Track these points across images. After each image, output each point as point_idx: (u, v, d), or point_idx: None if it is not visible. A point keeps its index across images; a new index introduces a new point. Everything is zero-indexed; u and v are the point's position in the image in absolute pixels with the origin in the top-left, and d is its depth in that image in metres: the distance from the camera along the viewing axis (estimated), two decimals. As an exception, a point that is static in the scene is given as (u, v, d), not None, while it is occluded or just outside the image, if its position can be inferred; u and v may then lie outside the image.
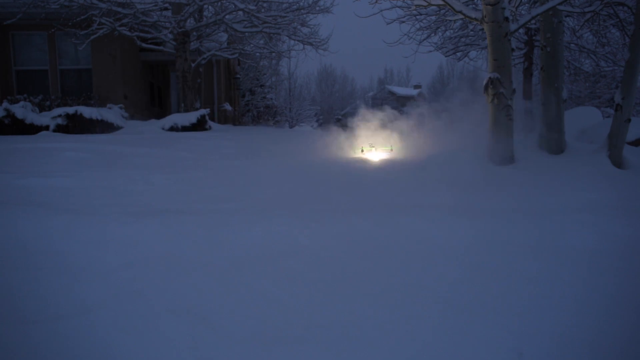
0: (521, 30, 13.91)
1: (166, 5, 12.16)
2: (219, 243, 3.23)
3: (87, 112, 10.67)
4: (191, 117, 11.57)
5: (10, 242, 3.09)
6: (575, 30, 12.03)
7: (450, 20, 11.43)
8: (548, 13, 6.16)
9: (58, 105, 11.56)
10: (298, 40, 13.90)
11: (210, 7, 13.90)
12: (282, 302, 2.51)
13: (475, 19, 5.94)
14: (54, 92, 13.05)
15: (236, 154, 7.35)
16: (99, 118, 10.75)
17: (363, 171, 5.90)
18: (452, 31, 12.99)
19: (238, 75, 23.13)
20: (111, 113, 11.28)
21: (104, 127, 10.81)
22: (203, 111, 12.05)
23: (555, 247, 3.40)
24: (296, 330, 2.22)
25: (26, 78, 13.29)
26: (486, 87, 5.76)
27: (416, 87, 66.03)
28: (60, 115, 10.53)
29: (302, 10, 13.17)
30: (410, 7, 9.33)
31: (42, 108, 11.39)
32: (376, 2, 7.34)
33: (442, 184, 5.08)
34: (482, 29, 11.32)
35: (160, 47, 13.73)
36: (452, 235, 3.51)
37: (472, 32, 12.89)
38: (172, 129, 11.22)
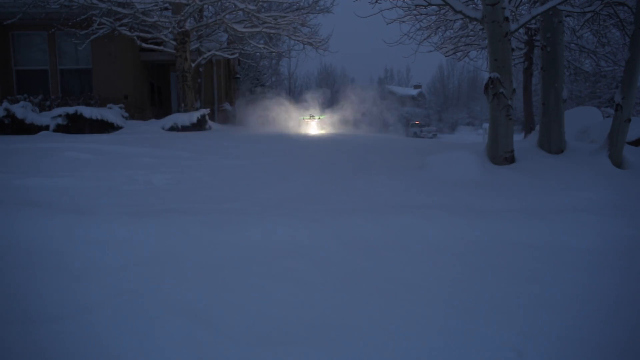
0: (521, 30, 13.91)
1: (166, 5, 12.16)
2: (219, 243, 3.23)
3: (87, 112, 10.68)
4: (191, 117, 11.57)
5: (11, 242, 3.09)
6: (575, 30, 12.03)
7: (450, 20, 11.43)
8: (548, 13, 6.16)
9: (58, 105, 11.56)
10: (298, 40, 13.88)
11: (210, 7, 13.91)
12: (283, 302, 2.51)
13: (475, 19, 5.94)
14: (54, 92, 13.05)
15: (236, 153, 7.34)
16: (99, 118, 10.75)
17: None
18: (452, 31, 12.98)
19: (238, 75, 23.13)
20: (111, 113, 11.28)
21: (104, 127, 10.80)
22: (203, 111, 12.05)
23: (555, 247, 3.40)
24: (296, 330, 2.22)
25: (26, 78, 13.29)
26: (486, 87, 5.76)
27: (416, 87, 66.08)
28: (60, 115, 10.53)
29: (302, 10, 13.17)
30: (410, 7, 9.32)
31: (42, 108, 11.39)
32: (376, 2, 7.35)
33: (442, 183, 5.08)
34: (482, 29, 11.33)
35: (160, 47, 13.72)
36: (452, 235, 3.51)
37: (472, 32, 12.89)
38: (172, 128, 11.22)
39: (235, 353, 2.03)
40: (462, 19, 10.68)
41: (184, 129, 11.27)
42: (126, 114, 12.27)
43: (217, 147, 7.78)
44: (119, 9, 11.39)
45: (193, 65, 13.57)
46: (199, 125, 11.60)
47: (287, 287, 2.65)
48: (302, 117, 15.23)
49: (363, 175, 5.57)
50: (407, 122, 40.65)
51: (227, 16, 12.25)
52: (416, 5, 6.68)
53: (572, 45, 13.96)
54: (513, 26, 5.78)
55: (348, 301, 2.52)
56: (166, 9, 12.58)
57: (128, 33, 12.21)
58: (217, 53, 14.95)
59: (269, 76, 32.59)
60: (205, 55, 14.64)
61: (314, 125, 14.74)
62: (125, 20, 11.91)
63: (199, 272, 2.82)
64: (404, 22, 10.01)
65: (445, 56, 14.44)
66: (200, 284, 2.66)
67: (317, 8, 13.34)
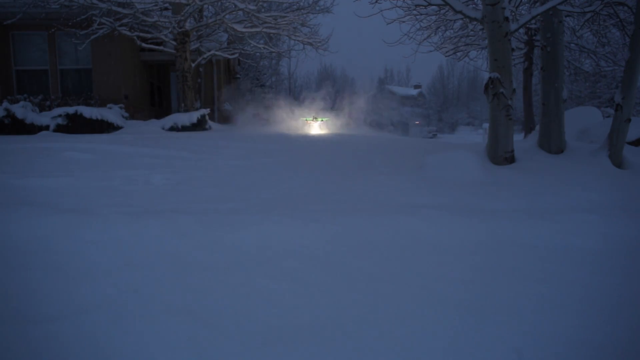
0: (521, 30, 13.90)
1: (166, 5, 12.16)
2: (219, 243, 3.23)
3: (87, 112, 10.68)
4: (191, 117, 11.58)
5: (10, 242, 3.09)
6: (575, 30, 12.03)
7: (451, 20, 11.43)
8: (548, 13, 6.16)
9: (58, 105, 11.56)
10: (298, 40, 13.88)
11: (210, 7, 13.90)
12: (283, 301, 2.51)
13: (475, 19, 5.94)
14: (54, 92, 13.05)
15: (236, 153, 7.34)
16: (99, 118, 10.75)
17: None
18: (452, 31, 12.97)
19: (238, 75, 23.13)
20: (111, 113, 11.28)
21: (104, 127, 10.81)
22: (203, 111, 12.06)
23: (555, 246, 3.40)
24: (296, 330, 2.22)
25: (26, 78, 13.29)
26: (486, 87, 5.76)
27: (416, 87, 66.16)
28: (60, 115, 10.53)
29: (302, 10, 13.17)
30: (410, 7, 9.32)
31: (42, 108, 11.39)
32: (376, 2, 7.34)
33: (442, 183, 5.08)
34: (482, 29, 11.33)
35: (160, 47, 13.73)
36: (452, 236, 3.51)
37: (472, 32, 12.88)
38: (172, 128, 11.22)
39: (235, 353, 2.03)
40: (462, 19, 10.68)
41: (184, 129, 11.27)
42: (126, 114, 12.27)
43: (217, 147, 7.78)
44: (119, 9, 11.39)
45: (193, 65, 13.57)
46: (199, 125, 11.60)
47: (287, 287, 2.65)
48: (304, 118, 15.35)
49: (363, 175, 5.57)
50: (415, 124, 40.58)
51: (227, 16, 12.25)
52: (416, 5, 6.68)
53: (572, 45, 13.95)
54: (513, 26, 5.78)
55: (348, 301, 2.52)
56: (166, 9, 12.58)
57: (128, 33, 12.21)
58: (217, 53, 14.95)
59: (269, 76, 32.61)
60: (205, 55, 14.64)
61: (315, 126, 14.84)
62: (125, 20, 11.91)
63: (199, 272, 2.81)
64: (404, 22, 10.01)
65: (445, 56, 14.43)
66: (200, 284, 2.66)
67: (317, 8, 13.34)
